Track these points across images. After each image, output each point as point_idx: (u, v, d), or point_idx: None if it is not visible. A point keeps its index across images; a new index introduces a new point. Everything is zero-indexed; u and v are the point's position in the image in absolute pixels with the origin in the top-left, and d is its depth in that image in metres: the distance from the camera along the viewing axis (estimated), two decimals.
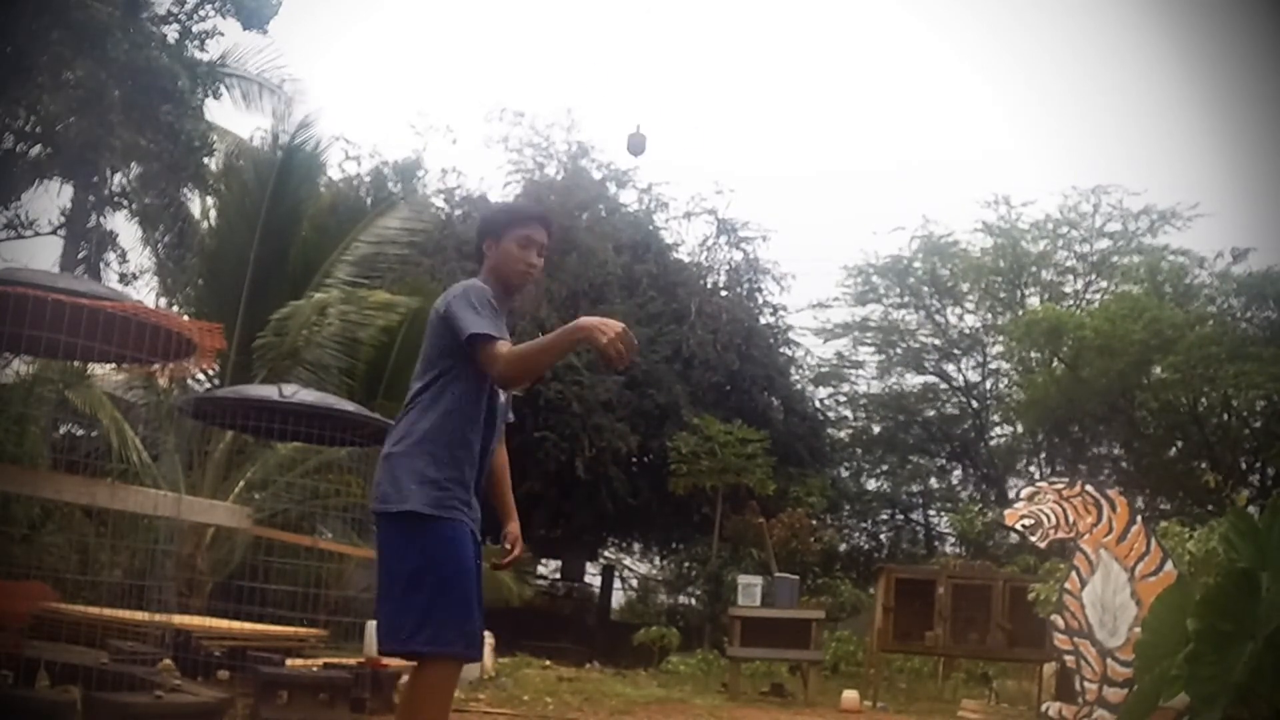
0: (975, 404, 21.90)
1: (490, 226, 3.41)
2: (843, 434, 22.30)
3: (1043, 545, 7.67)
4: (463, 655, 3.11)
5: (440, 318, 3.20)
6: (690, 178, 34.35)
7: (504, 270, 3.34)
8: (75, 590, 7.79)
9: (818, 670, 11.27)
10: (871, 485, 22.28)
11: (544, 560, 20.05)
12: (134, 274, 14.48)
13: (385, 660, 6.87)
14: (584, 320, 2.98)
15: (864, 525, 22.23)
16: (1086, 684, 7.10)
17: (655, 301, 18.18)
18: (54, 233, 14.00)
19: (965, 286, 20.79)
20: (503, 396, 3.39)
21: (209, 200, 14.14)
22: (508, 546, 3.51)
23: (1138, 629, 5.75)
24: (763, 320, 20.09)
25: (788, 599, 11.18)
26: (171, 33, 11.24)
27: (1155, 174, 41.82)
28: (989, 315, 21.20)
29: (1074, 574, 7.32)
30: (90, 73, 9.79)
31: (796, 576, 12.36)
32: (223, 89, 12.51)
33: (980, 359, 21.68)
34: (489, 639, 8.58)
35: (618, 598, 22.66)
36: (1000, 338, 20.18)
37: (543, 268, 3.50)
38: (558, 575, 21.30)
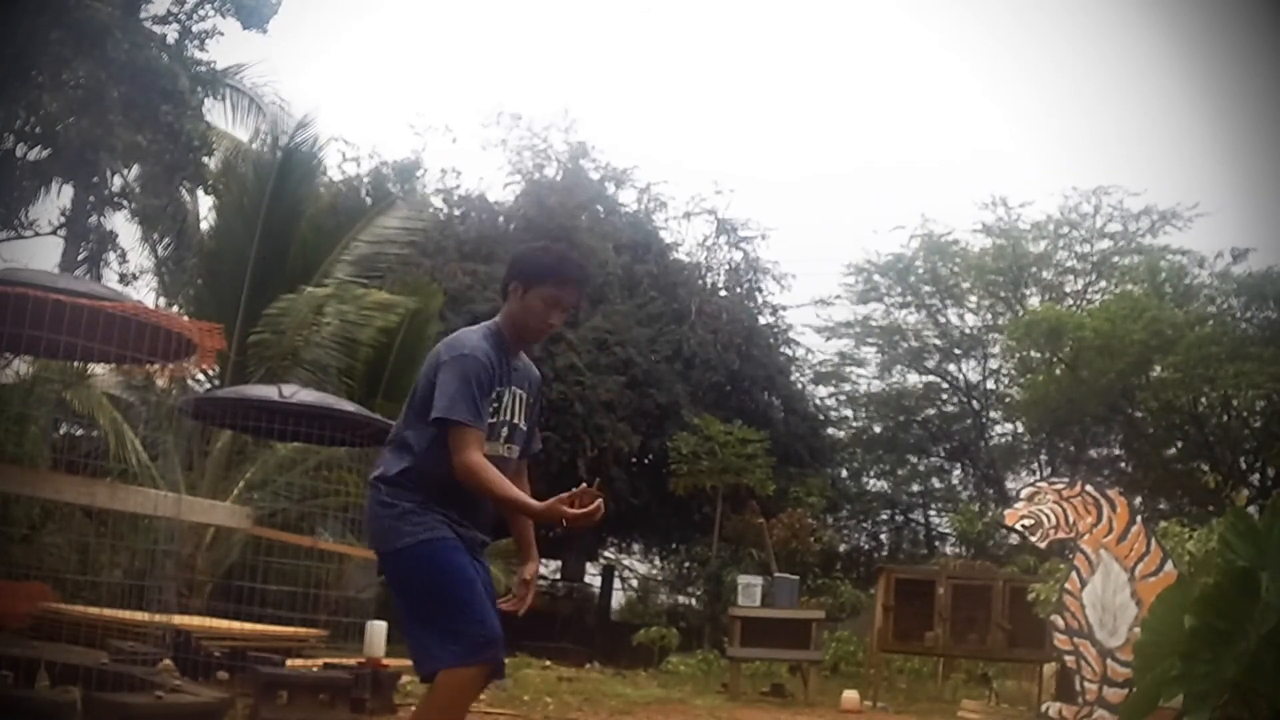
0: (976, 404, 21.89)
1: (525, 272, 3.22)
2: (843, 434, 22.29)
3: (1043, 545, 7.66)
4: (484, 663, 3.06)
5: (438, 367, 3.12)
6: (690, 178, 34.42)
7: (522, 323, 3.23)
8: (75, 590, 7.78)
9: (818, 670, 11.27)
10: (872, 485, 22.30)
11: (544, 560, 20.01)
12: (134, 274, 14.43)
13: (385, 660, 6.89)
14: (540, 511, 3.14)
15: (864, 525, 22.23)
16: (1086, 684, 7.09)
17: (655, 301, 18.17)
18: (54, 233, 13.97)
19: (966, 286, 20.79)
20: (522, 424, 3.31)
21: (209, 200, 14.13)
22: (514, 593, 3.33)
23: (1138, 629, 5.74)
24: (763, 320, 20.10)
25: (788, 599, 11.18)
26: (171, 33, 11.22)
27: (1155, 174, 41.92)
28: (990, 315, 21.20)
29: (1074, 574, 7.31)
30: (90, 73, 9.77)
31: (796, 577, 12.36)
32: (221, 95, 12.50)
33: (981, 359, 21.68)
34: None
35: (618, 598, 22.66)
36: (1001, 337, 20.17)
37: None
38: (558, 575, 21.27)
